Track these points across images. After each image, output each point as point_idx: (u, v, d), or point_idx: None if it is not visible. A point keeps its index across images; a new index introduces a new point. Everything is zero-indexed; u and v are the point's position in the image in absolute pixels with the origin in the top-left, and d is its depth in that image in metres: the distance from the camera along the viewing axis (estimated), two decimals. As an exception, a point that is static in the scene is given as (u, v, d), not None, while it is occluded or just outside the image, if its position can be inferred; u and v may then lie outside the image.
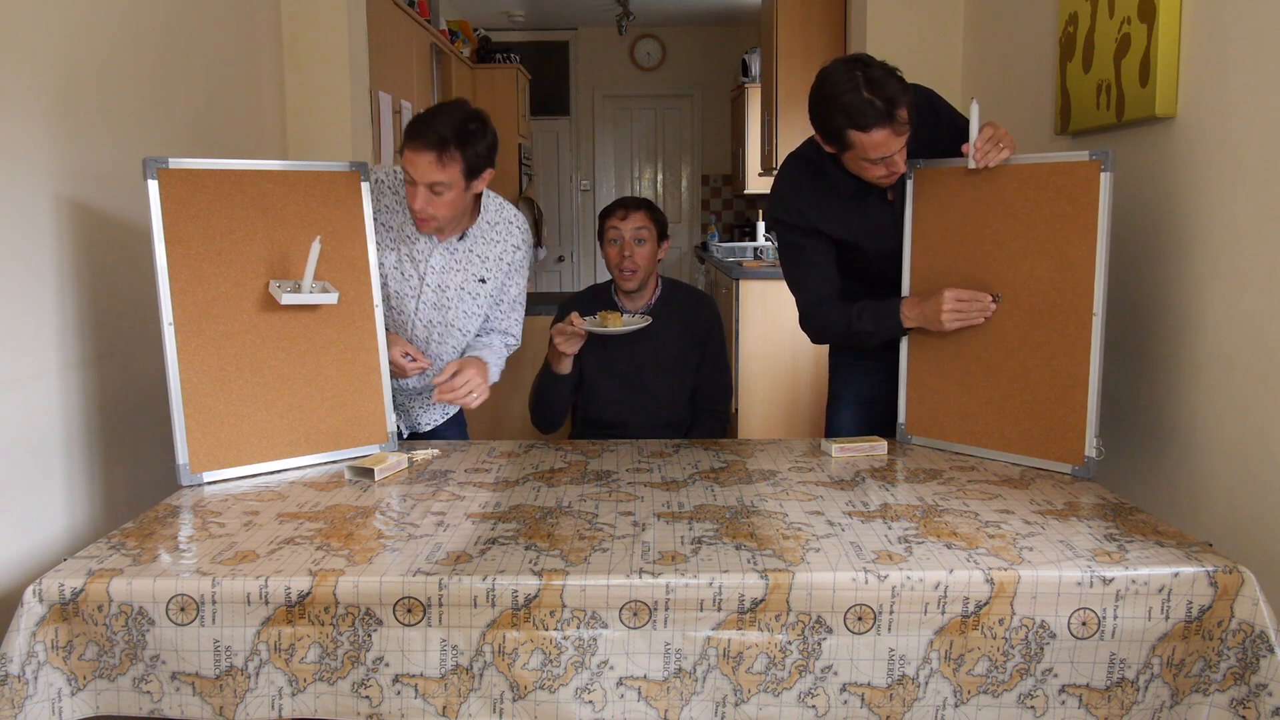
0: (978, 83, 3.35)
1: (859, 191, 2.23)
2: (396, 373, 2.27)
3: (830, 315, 2.29)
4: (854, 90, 1.96)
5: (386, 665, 1.50)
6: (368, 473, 2.01)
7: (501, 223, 2.39)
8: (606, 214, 2.70)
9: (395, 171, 2.33)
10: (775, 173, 2.43)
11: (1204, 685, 1.51)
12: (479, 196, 2.31)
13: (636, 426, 2.66)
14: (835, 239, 2.29)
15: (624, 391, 2.67)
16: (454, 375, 2.22)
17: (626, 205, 2.67)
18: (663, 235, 2.69)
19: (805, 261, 2.31)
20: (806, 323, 2.37)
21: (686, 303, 2.74)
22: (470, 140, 2.13)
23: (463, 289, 2.36)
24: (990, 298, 2.09)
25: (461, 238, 2.33)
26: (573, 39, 8.70)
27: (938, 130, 2.25)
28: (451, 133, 2.10)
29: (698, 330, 2.71)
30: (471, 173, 2.17)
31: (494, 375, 2.39)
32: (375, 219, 2.28)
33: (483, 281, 2.38)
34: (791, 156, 2.36)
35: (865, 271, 2.34)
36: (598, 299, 2.74)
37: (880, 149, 2.02)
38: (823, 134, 2.10)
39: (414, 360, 2.26)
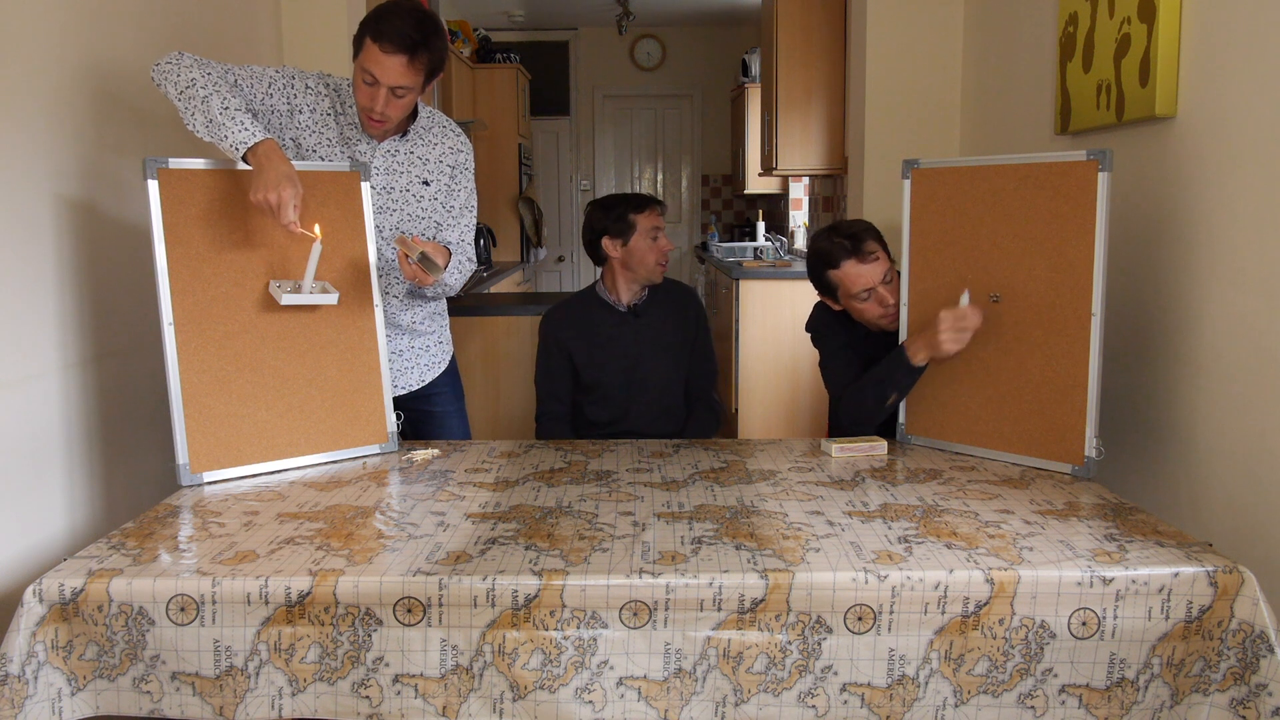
0: (978, 83, 3.35)
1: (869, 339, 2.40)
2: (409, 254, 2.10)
3: (853, 393, 2.33)
4: (825, 239, 2.34)
5: (386, 665, 1.50)
6: None
7: (436, 126, 2.37)
8: (638, 208, 2.67)
9: (322, 75, 2.31)
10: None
11: (1204, 685, 1.51)
12: None
13: (637, 416, 2.71)
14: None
15: (624, 384, 2.71)
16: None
17: (655, 202, 2.71)
18: None
19: (831, 356, 2.46)
20: (837, 408, 2.41)
21: (673, 293, 2.82)
22: (436, 41, 2.12)
23: (407, 191, 2.34)
24: (976, 304, 2.10)
25: (404, 137, 2.31)
26: (573, 39, 8.69)
27: None
28: (420, 35, 2.08)
29: (687, 317, 2.81)
30: (432, 75, 2.16)
31: (452, 274, 2.31)
32: (310, 127, 2.26)
33: (426, 184, 2.35)
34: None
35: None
36: (587, 303, 2.76)
37: (856, 281, 2.28)
38: (819, 289, 2.41)
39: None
